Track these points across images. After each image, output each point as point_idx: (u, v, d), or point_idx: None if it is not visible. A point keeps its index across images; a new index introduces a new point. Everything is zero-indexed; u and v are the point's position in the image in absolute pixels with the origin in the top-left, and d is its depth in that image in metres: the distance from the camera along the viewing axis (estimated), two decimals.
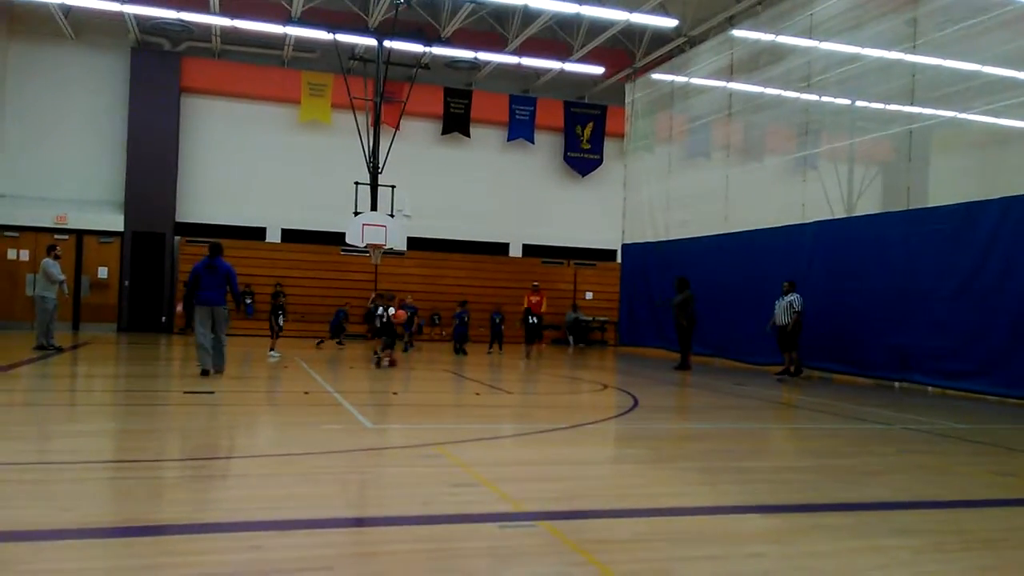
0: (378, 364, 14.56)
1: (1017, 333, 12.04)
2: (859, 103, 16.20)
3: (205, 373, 11.61)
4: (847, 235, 15.50)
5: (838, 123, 17.07)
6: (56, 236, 21.85)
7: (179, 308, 22.73)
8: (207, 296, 11.75)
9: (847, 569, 3.92)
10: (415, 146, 25.04)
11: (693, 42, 21.70)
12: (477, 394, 11.44)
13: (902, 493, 5.77)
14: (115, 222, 23.42)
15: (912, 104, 14.49)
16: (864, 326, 14.67)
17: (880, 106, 15.80)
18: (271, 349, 15.59)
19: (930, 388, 13.52)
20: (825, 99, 16.79)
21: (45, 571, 3.47)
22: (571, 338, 25.36)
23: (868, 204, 17.80)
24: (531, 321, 17.70)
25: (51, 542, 3.86)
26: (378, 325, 15.47)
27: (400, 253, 23.19)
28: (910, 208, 14.37)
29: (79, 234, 23.20)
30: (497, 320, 20.05)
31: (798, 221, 16.59)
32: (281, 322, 16.03)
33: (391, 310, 15.08)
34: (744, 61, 18.77)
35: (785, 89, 17.54)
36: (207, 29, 23.14)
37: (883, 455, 7.45)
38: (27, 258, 22.31)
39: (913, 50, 14.37)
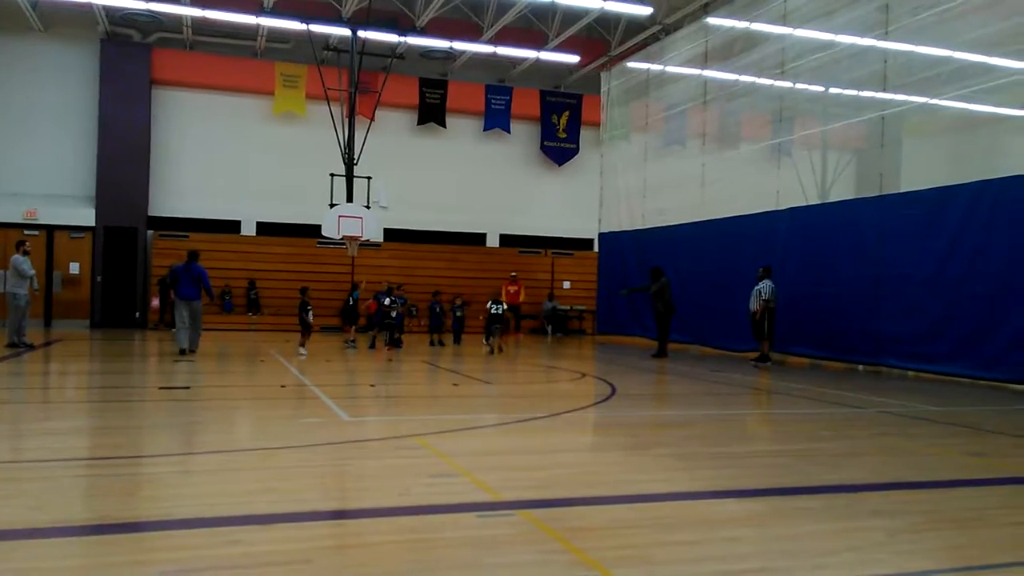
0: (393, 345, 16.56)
1: (989, 316, 12.22)
2: (832, 90, 16.31)
3: (183, 352, 14.49)
4: (821, 221, 15.63)
5: (812, 110, 17.19)
6: (26, 232, 21.50)
7: (154, 303, 22.73)
8: (184, 292, 14.80)
9: (822, 550, 3.97)
10: (391, 137, 24.91)
11: (668, 30, 21.72)
12: (455, 385, 11.44)
13: (876, 475, 5.85)
14: (86, 216, 23.11)
15: (884, 90, 14.61)
16: (839, 311, 14.82)
17: (853, 92, 15.90)
18: (301, 346, 15.36)
19: (907, 372, 13.70)
20: (799, 86, 16.88)
21: (22, 570, 3.43)
22: (549, 328, 25.41)
23: (842, 190, 17.99)
24: (494, 311, 17.43)
25: (26, 541, 3.82)
26: (392, 316, 16.92)
27: (376, 245, 23.10)
28: (883, 193, 14.51)
29: (50, 229, 22.86)
30: (459, 313, 19.85)
31: (773, 208, 16.70)
32: (310, 319, 15.90)
33: (386, 301, 16.74)
34: (719, 49, 18.82)
35: (760, 76, 17.62)
36: (178, 20, 22.82)
37: (858, 438, 7.55)
38: None
39: (885, 36, 14.48)
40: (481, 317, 19.02)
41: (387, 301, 16.79)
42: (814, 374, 13.99)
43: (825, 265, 15.20)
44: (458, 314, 19.80)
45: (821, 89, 16.48)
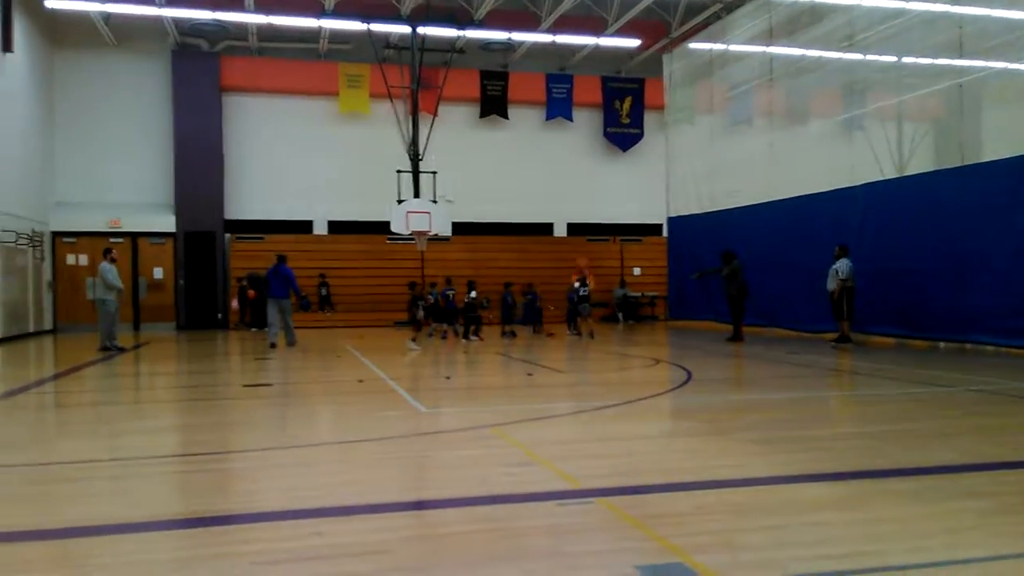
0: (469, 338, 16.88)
1: None
2: (905, 59, 15.74)
3: (273, 346, 16.01)
4: (899, 195, 15.11)
5: (884, 81, 16.61)
6: (111, 240, 22.40)
7: (233, 304, 23.40)
8: (275, 292, 16.42)
9: (912, 534, 3.84)
10: (454, 131, 25.06)
11: (730, 8, 21.28)
12: (529, 375, 11.46)
13: (967, 455, 5.64)
14: (167, 223, 23.93)
15: (961, 57, 14.03)
16: (921, 288, 14.32)
17: (928, 61, 15.33)
18: (412, 340, 15.83)
19: (995, 348, 13.16)
20: (870, 57, 16.34)
21: (120, 563, 3.58)
22: (620, 315, 25.24)
23: (920, 163, 17.31)
24: (582, 292, 17.49)
25: (124, 535, 3.98)
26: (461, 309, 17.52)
27: (445, 239, 23.29)
28: (964, 164, 13.95)
29: (133, 236, 23.77)
30: (536, 304, 20.05)
31: (847, 184, 16.22)
32: (420, 315, 16.38)
33: (472, 294, 17.36)
34: (783, 24, 18.35)
35: (827, 50, 17.12)
36: (244, 28, 23.40)
37: (947, 418, 7.29)
38: (86, 263, 22.93)
39: (959, 1, 13.89)
40: (554, 308, 19.05)
41: (473, 294, 17.33)
42: (897, 353, 13.57)
43: (905, 241, 14.70)
44: (537, 305, 20.00)
45: (894, 59, 15.93)
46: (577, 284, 17.57)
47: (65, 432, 7.54)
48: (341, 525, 4.10)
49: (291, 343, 16.32)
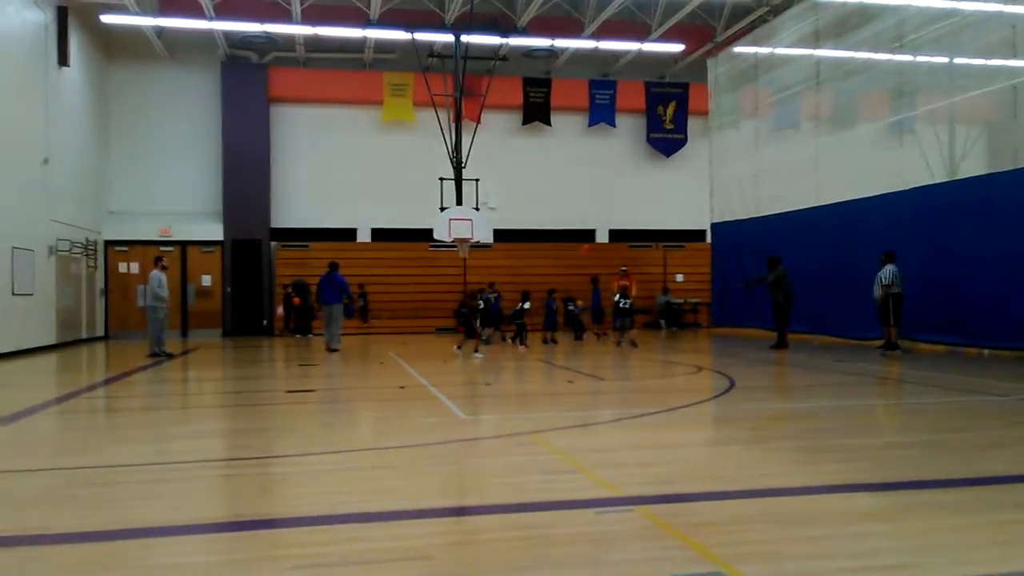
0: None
1: None
2: (957, 60, 15.40)
3: (331, 351, 16.72)
4: (951, 199, 14.77)
5: (935, 83, 16.26)
6: (162, 248, 22.89)
7: (279, 311, 23.74)
8: (328, 298, 17.15)
9: (962, 545, 3.75)
10: (497, 138, 25.14)
11: (776, 11, 21.06)
12: (570, 381, 11.43)
13: (1018, 466, 5.49)
14: (215, 231, 24.38)
15: (1014, 58, 13.69)
16: (973, 294, 13.97)
17: (980, 62, 14.98)
18: (475, 351, 15.58)
19: None
20: (920, 59, 16.02)
21: (164, 566, 3.66)
22: (663, 322, 25.04)
23: (972, 166, 16.89)
24: (622, 305, 17.51)
25: (167, 538, 4.06)
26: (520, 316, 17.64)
27: (487, 246, 23.37)
28: (1019, 167, 13.59)
29: (183, 245, 24.26)
30: (576, 312, 20.17)
31: (896, 189, 15.91)
32: (478, 325, 16.45)
33: (527, 304, 17.54)
34: (831, 26, 18.10)
35: (876, 51, 16.83)
36: (291, 39, 23.79)
37: (997, 427, 7.10)
38: (137, 271, 23.46)
39: (1013, 1, 13.56)
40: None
41: (526, 305, 17.66)
42: (947, 361, 13.25)
43: (956, 246, 14.35)
44: (576, 313, 20.02)
45: (945, 60, 15.58)
46: (618, 296, 17.52)
47: (114, 436, 7.72)
48: (381, 531, 4.13)
49: (334, 348, 16.76)
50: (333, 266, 17.28)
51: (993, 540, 3.82)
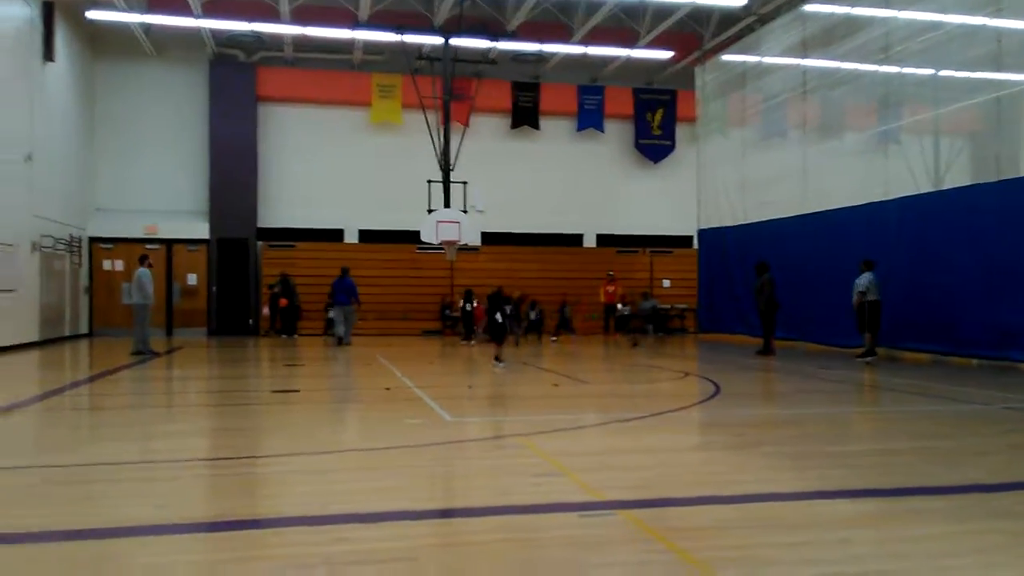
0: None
1: None
2: (942, 72, 15.55)
3: (339, 342, 19.25)
4: (935, 209, 14.89)
5: (920, 94, 16.41)
6: (147, 246, 22.74)
7: (265, 311, 23.65)
8: (339, 299, 19.58)
9: (942, 552, 3.79)
10: (485, 141, 25.15)
11: (763, 20, 21.17)
12: (555, 385, 11.45)
13: (999, 475, 5.54)
14: (201, 230, 24.26)
15: (999, 70, 13.83)
16: (957, 303, 14.08)
17: (965, 74, 15.12)
18: (496, 359, 13.62)
19: None
20: (906, 70, 16.16)
21: (149, 564, 3.64)
22: (649, 327, 25.11)
23: (957, 177, 17.06)
24: (617, 310, 17.85)
25: (153, 537, 4.04)
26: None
27: (474, 248, 23.36)
28: (1002, 179, 13.73)
29: (169, 243, 24.11)
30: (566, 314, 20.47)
31: (881, 198, 16.04)
32: (508, 325, 15.63)
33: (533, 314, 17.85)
34: (818, 36, 18.21)
35: (863, 62, 16.96)
36: (279, 38, 23.72)
37: (981, 436, 7.16)
38: (122, 268, 23.28)
39: (998, 14, 13.71)
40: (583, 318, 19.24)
41: (533, 315, 18.30)
42: (932, 370, 13.35)
43: (941, 255, 14.47)
44: (566, 315, 20.28)
45: (930, 72, 15.73)
46: (620, 305, 17.86)
47: (97, 435, 7.67)
48: (366, 532, 4.13)
49: (346, 343, 19.07)
50: (344, 270, 19.58)
51: (975, 547, 3.86)
